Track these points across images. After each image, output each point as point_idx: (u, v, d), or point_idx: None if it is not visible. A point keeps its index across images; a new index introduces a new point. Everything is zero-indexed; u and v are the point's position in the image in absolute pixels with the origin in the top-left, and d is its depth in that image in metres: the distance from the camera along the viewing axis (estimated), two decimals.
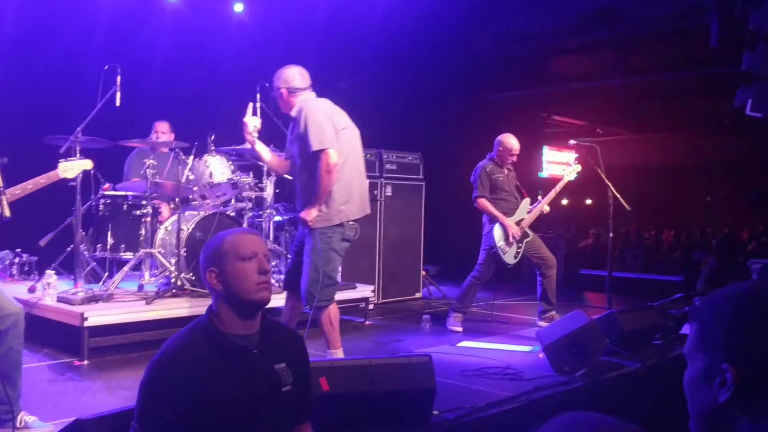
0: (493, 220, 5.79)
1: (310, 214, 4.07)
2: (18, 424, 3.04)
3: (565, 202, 14.20)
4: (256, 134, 4.38)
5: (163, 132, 6.41)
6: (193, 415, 1.91)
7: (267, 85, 6.00)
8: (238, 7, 8.18)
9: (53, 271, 5.03)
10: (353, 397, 2.95)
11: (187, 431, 1.90)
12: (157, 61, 7.14)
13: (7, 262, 6.04)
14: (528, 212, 5.93)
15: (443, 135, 9.51)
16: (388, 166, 7.33)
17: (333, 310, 4.17)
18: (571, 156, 13.68)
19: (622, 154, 13.91)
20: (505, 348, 4.96)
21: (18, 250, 6.10)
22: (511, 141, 5.92)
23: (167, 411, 1.89)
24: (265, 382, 2.07)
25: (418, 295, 7.62)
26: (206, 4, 7.71)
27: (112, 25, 7.03)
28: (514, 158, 5.95)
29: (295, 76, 4.26)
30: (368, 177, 7.02)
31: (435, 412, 3.18)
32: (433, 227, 8.01)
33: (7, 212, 2.25)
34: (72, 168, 3.46)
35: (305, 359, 2.26)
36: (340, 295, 6.00)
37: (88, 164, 3.66)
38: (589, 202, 14.35)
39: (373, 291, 6.40)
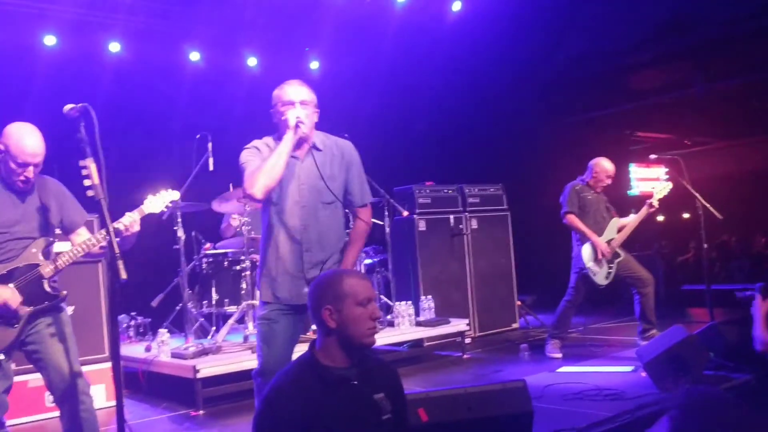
0: (583, 240, 5.76)
1: None
2: None
3: (661, 218, 13.77)
4: None
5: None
6: None
7: (346, 136, 6.31)
8: (314, 65, 8.64)
9: (166, 330, 5.39)
10: (452, 425, 3.03)
11: None
12: (236, 124, 7.55)
13: (125, 325, 6.50)
14: (618, 231, 5.87)
15: (525, 163, 9.51)
16: (470, 200, 7.43)
17: None
18: (660, 171, 13.35)
19: (715, 163, 13.41)
20: (606, 370, 4.91)
21: (133, 313, 6.55)
22: (606, 164, 5.91)
23: None
24: (366, 411, 2.22)
25: (515, 325, 7.59)
26: (283, 66, 8.14)
27: (194, 95, 7.55)
28: (610, 180, 5.92)
29: None
30: (452, 212, 7.24)
31: None
32: (524, 256, 7.99)
33: (123, 275, 2.51)
34: (155, 201, 3.45)
35: (401, 389, 2.39)
36: (435, 331, 6.12)
37: (175, 194, 3.55)
38: (686, 215, 13.85)
39: (468, 324, 6.44)
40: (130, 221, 3.22)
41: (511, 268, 7.68)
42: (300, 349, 2.66)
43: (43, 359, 3.15)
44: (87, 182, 2.70)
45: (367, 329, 2.22)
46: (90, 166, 2.67)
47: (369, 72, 8.31)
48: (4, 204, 3.14)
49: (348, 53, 8.35)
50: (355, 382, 2.23)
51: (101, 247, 3.22)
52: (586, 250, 5.72)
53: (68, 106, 2.72)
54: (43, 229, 3.24)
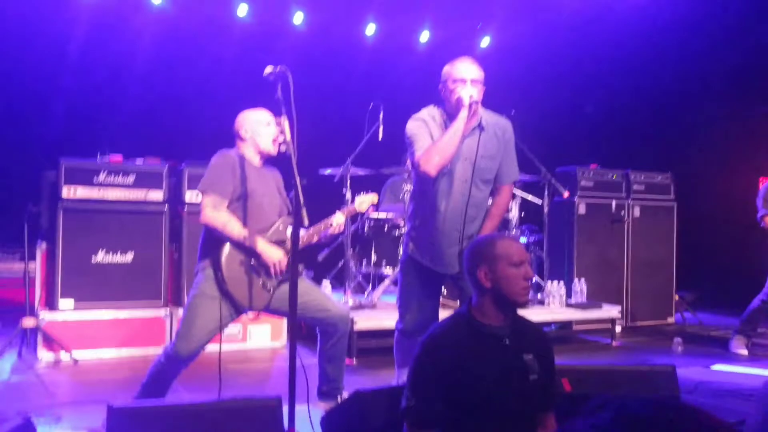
0: None
1: None
2: (339, 400, 3.67)
3: None
4: None
5: None
6: (453, 389, 2.28)
7: (513, 113, 6.38)
8: (485, 42, 8.72)
9: (328, 282, 5.82)
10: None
11: (448, 401, 2.28)
12: (405, 97, 7.84)
13: None
14: None
15: (700, 153, 8.98)
16: (635, 186, 7.22)
17: None
18: None
19: None
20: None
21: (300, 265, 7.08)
22: None
23: (433, 382, 2.28)
24: (514, 369, 2.36)
25: (671, 320, 7.31)
26: (454, 43, 8.28)
27: (368, 67, 7.94)
28: None
29: None
30: (614, 197, 7.08)
31: None
32: (688, 251, 7.64)
33: (306, 222, 2.84)
34: (364, 201, 3.89)
35: (550, 353, 2.50)
36: (585, 314, 6.09)
37: (375, 198, 3.99)
38: None
39: (620, 312, 6.32)
40: (339, 224, 3.68)
41: (672, 261, 7.38)
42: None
43: (305, 304, 3.49)
44: (280, 138, 3.03)
45: (521, 288, 2.36)
46: (284, 123, 3.00)
47: (541, 49, 8.24)
48: (258, 177, 3.51)
49: (521, 29, 8.32)
50: (507, 341, 2.38)
51: (324, 236, 3.70)
52: None
53: (268, 69, 3.03)
54: (280, 208, 3.63)
